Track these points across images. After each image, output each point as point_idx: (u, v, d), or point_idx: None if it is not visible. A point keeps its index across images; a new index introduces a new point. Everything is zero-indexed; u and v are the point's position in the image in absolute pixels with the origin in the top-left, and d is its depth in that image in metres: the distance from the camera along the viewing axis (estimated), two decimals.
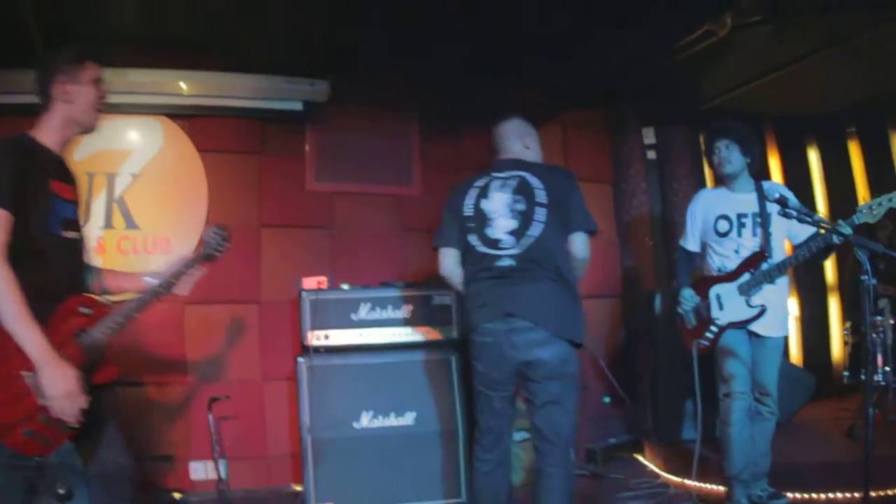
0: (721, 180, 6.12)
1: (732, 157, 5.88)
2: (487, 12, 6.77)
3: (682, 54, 7.38)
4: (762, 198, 5.88)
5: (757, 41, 7.29)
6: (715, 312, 5.80)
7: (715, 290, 5.84)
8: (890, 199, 5.01)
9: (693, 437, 6.69)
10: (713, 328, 5.78)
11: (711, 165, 6.15)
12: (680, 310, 6.08)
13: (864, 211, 5.04)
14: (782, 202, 4.63)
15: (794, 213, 4.64)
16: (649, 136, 9.38)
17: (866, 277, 4.31)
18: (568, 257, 4.92)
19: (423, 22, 6.90)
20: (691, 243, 6.24)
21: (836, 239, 5.15)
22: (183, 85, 7.22)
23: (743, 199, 5.94)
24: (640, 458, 8.25)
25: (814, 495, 6.14)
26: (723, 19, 6.65)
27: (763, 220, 5.82)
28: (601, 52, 7.68)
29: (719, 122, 6.14)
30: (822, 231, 5.17)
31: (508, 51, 7.64)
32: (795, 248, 5.67)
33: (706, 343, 5.79)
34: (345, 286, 6.77)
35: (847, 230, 4.82)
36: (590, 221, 5.02)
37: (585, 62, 7.90)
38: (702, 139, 8.65)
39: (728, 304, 5.76)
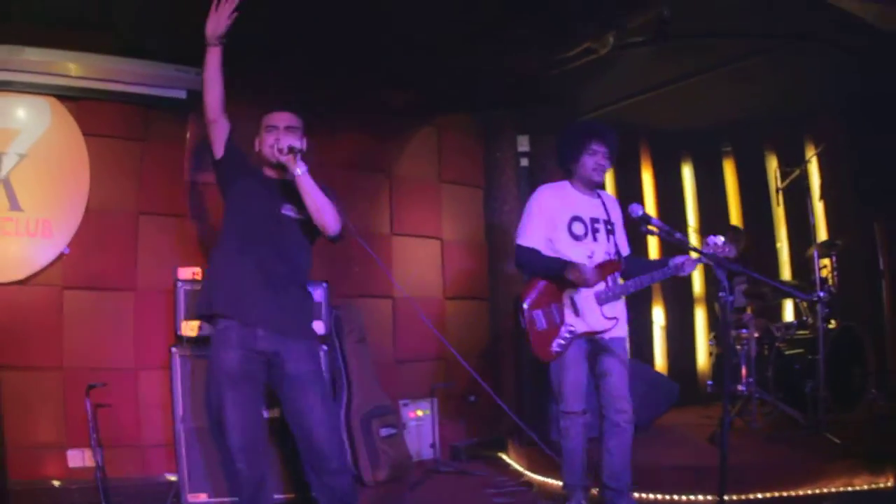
0: (580, 182, 6.14)
1: (608, 165, 6.11)
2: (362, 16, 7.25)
3: (562, 67, 7.79)
4: (604, 205, 6.19)
5: (639, 60, 7.69)
6: (570, 318, 5.87)
7: (569, 294, 5.89)
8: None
9: (556, 437, 7.16)
10: (566, 334, 5.84)
11: (576, 164, 6.10)
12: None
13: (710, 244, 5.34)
14: (645, 219, 5.16)
15: (658, 232, 5.19)
16: (524, 144, 9.93)
17: (723, 294, 4.76)
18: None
19: (305, 19, 7.27)
20: (532, 240, 6.04)
21: (687, 269, 5.77)
22: (72, 66, 7.47)
23: (593, 204, 6.14)
24: (504, 456, 8.89)
25: (674, 497, 6.53)
26: (605, 38, 7.14)
27: (613, 227, 6.13)
28: (480, 63, 8.21)
29: (600, 125, 6.26)
30: (691, 252, 5.49)
31: (384, 54, 8.11)
32: (656, 268, 5.87)
33: (559, 349, 5.84)
34: None
35: (696, 255, 5.44)
36: None
37: (464, 71, 8.44)
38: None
39: (585, 311, 5.85)
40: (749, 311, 8.97)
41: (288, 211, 5.26)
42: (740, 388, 8.38)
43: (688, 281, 11.20)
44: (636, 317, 10.56)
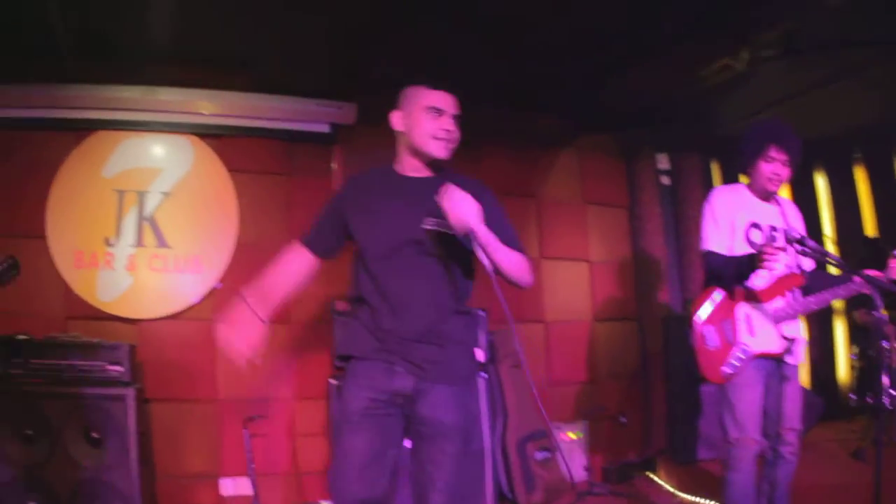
0: (755, 187, 5.55)
1: (786, 174, 5.48)
2: (511, 48, 7.24)
3: (699, 86, 7.72)
4: (783, 213, 5.52)
5: (772, 73, 7.58)
6: (744, 336, 5.27)
7: (743, 310, 5.35)
8: None
9: (706, 456, 7.02)
10: (740, 354, 5.25)
11: (752, 169, 5.53)
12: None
13: None
14: (802, 241, 4.84)
15: (813, 255, 5.00)
16: (663, 162, 9.82)
17: (877, 313, 4.59)
18: None
19: (448, 54, 7.13)
20: (718, 244, 5.44)
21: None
22: (210, 105, 7.61)
23: (771, 211, 5.53)
24: (655, 477, 8.67)
25: None
26: (740, 54, 7.02)
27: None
28: (621, 87, 8.13)
29: (784, 128, 5.57)
30: (850, 274, 5.06)
31: (530, 83, 8.09)
32: (840, 284, 5.20)
33: (731, 371, 5.24)
34: None
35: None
36: None
37: (606, 96, 8.37)
38: (715, 166, 9.15)
39: (760, 330, 5.29)
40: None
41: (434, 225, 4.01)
42: (885, 401, 8.15)
43: None
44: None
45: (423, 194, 4.00)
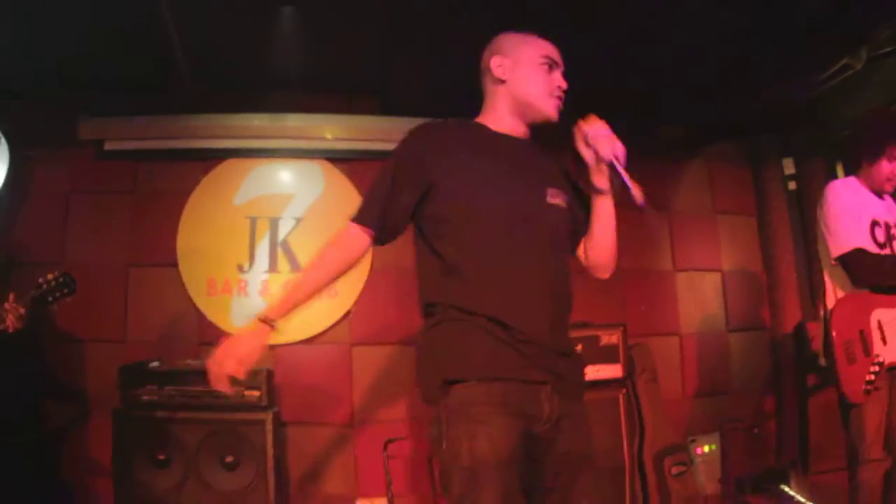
0: (869, 183, 5.19)
1: None
2: (632, 57, 7.11)
3: (820, 88, 7.61)
4: (892, 210, 5.18)
5: (891, 69, 7.48)
6: (878, 346, 4.79)
7: (876, 316, 4.87)
8: None
9: (834, 466, 6.93)
10: (875, 367, 4.76)
11: (871, 166, 5.18)
12: None
13: None
14: None
15: None
16: (789, 167, 9.59)
17: None
18: None
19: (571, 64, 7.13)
20: (855, 239, 4.94)
21: None
22: (338, 129, 7.71)
23: (886, 207, 5.18)
24: (787, 488, 8.46)
25: None
26: (859, 53, 6.91)
27: None
28: (744, 95, 8.02)
29: None
30: None
31: (653, 92, 7.98)
32: None
33: (870, 388, 4.76)
34: None
35: None
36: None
37: (728, 104, 8.26)
38: (840, 169, 8.98)
39: (891, 337, 4.82)
40: None
41: (555, 197, 3.43)
42: None
43: None
44: None
45: (531, 158, 3.50)
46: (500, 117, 3.49)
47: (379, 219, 3.37)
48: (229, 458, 6.22)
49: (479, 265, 3.18)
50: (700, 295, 9.14)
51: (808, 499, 7.85)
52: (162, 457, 6.15)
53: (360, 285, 7.66)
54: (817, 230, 5.26)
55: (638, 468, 7.50)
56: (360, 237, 3.38)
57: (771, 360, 9.25)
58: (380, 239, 3.43)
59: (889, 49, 7.07)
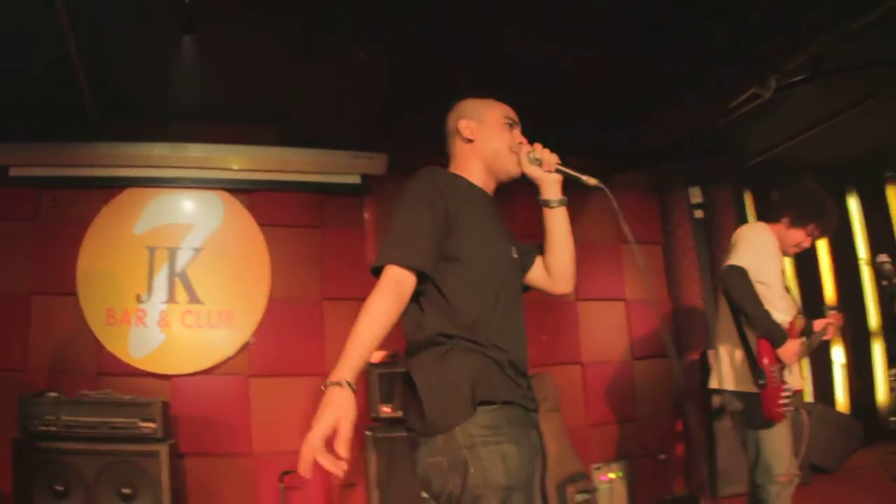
0: (782, 239, 5.58)
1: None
2: (537, 90, 6.98)
3: (728, 117, 7.63)
4: None
5: (800, 98, 7.51)
6: (787, 375, 5.23)
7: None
8: None
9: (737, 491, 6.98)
10: (789, 392, 5.18)
11: (787, 228, 5.57)
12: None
13: None
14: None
15: None
16: (696, 196, 9.67)
17: None
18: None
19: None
20: (756, 271, 5.32)
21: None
22: (239, 160, 7.63)
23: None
24: None
25: None
26: (768, 82, 6.94)
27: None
28: (652, 124, 7.99)
29: (834, 213, 5.67)
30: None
31: (558, 125, 7.90)
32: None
33: (788, 408, 5.19)
34: None
35: None
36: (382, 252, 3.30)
37: (638, 133, 8.22)
38: (748, 197, 9.03)
39: (791, 369, 5.31)
40: None
41: (515, 253, 3.70)
42: None
43: (864, 314, 10.84)
44: (818, 358, 10.36)
45: (498, 215, 3.69)
46: (475, 174, 3.65)
47: (430, 258, 3.25)
48: (126, 490, 6.12)
49: (484, 307, 3.31)
50: (603, 324, 9.12)
51: None
52: (61, 487, 6.05)
53: (259, 316, 7.59)
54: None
55: (541, 497, 7.48)
56: (411, 280, 3.20)
57: (678, 387, 9.25)
58: (426, 277, 3.26)
59: (799, 78, 7.13)
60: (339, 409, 2.81)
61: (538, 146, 3.60)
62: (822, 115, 8.34)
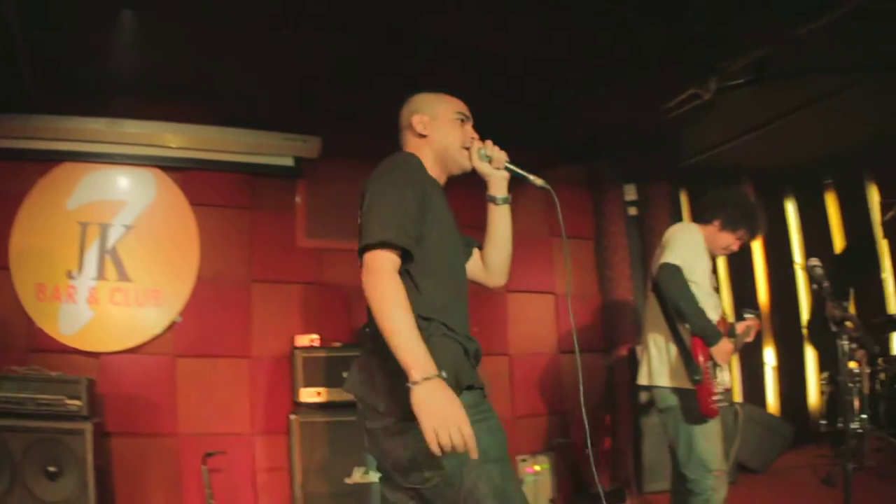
0: (711, 241, 5.73)
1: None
2: (472, 77, 7.05)
3: (666, 116, 7.66)
4: None
5: (740, 101, 7.55)
6: (720, 372, 5.35)
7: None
8: None
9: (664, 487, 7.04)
10: (721, 389, 5.32)
11: (718, 232, 5.71)
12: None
13: None
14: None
15: None
16: (630, 193, 9.71)
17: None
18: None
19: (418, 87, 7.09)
20: (691, 271, 5.41)
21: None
22: (175, 138, 7.54)
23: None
24: None
25: None
26: (708, 83, 6.97)
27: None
28: (587, 115, 8.01)
29: (761, 218, 5.81)
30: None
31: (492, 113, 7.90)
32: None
33: (720, 404, 5.30)
34: (337, 344, 7.22)
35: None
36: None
37: (572, 124, 8.25)
38: (683, 196, 9.07)
39: (722, 367, 5.41)
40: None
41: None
42: (853, 426, 8.09)
43: (797, 319, 10.94)
44: (749, 358, 10.43)
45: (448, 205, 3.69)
46: (429, 168, 3.64)
47: (414, 239, 3.27)
48: (52, 468, 6.05)
49: (449, 294, 3.44)
50: (532, 316, 9.16)
51: None
52: None
53: (187, 295, 7.53)
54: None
55: None
56: (398, 260, 3.21)
57: (606, 381, 9.30)
58: (409, 258, 3.26)
59: (740, 81, 7.17)
60: (455, 398, 2.92)
61: (489, 143, 3.73)
62: (764, 119, 8.39)
